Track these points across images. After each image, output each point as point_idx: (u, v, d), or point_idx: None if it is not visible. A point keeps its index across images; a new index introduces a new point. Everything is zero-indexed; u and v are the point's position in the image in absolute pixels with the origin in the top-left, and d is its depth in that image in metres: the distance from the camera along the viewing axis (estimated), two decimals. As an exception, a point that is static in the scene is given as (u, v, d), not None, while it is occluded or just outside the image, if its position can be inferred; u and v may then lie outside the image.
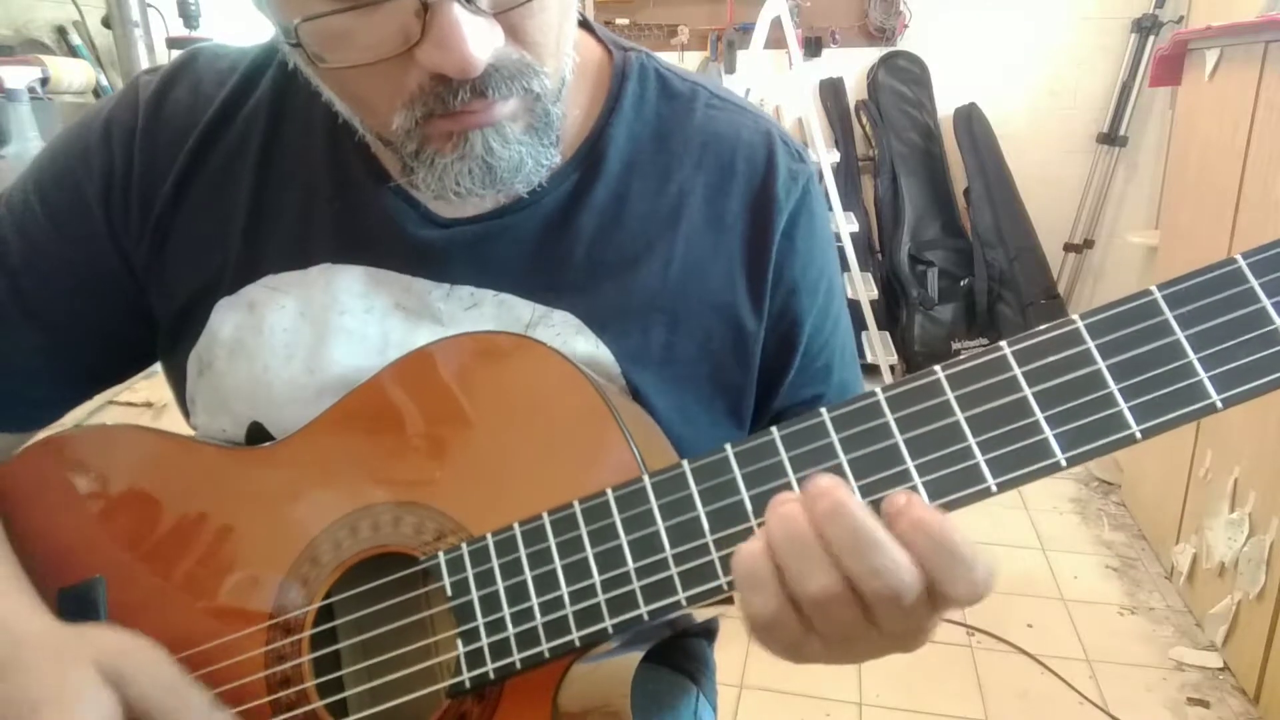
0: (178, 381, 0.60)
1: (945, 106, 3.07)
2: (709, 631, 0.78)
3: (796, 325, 0.58)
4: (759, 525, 0.39)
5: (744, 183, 0.57)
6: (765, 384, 0.59)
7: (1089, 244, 3.09)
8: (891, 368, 2.93)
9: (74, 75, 1.60)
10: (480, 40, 0.41)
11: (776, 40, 2.59)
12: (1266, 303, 0.35)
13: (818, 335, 0.60)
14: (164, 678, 0.46)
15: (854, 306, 2.74)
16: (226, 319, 0.56)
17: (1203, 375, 0.35)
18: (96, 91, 1.69)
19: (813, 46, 3.09)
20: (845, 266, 2.67)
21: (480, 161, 0.47)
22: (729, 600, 0.42)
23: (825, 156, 2.67)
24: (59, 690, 0.43)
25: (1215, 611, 1.74)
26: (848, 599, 0.36)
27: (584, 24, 0.58)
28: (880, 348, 2.88)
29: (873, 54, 3.09)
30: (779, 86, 3.06)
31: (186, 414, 0.61)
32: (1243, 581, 1.63)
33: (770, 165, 0.57)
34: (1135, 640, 1.84)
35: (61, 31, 1.83)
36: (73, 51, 1.82)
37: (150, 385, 1.35)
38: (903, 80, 3.07)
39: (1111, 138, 2.97)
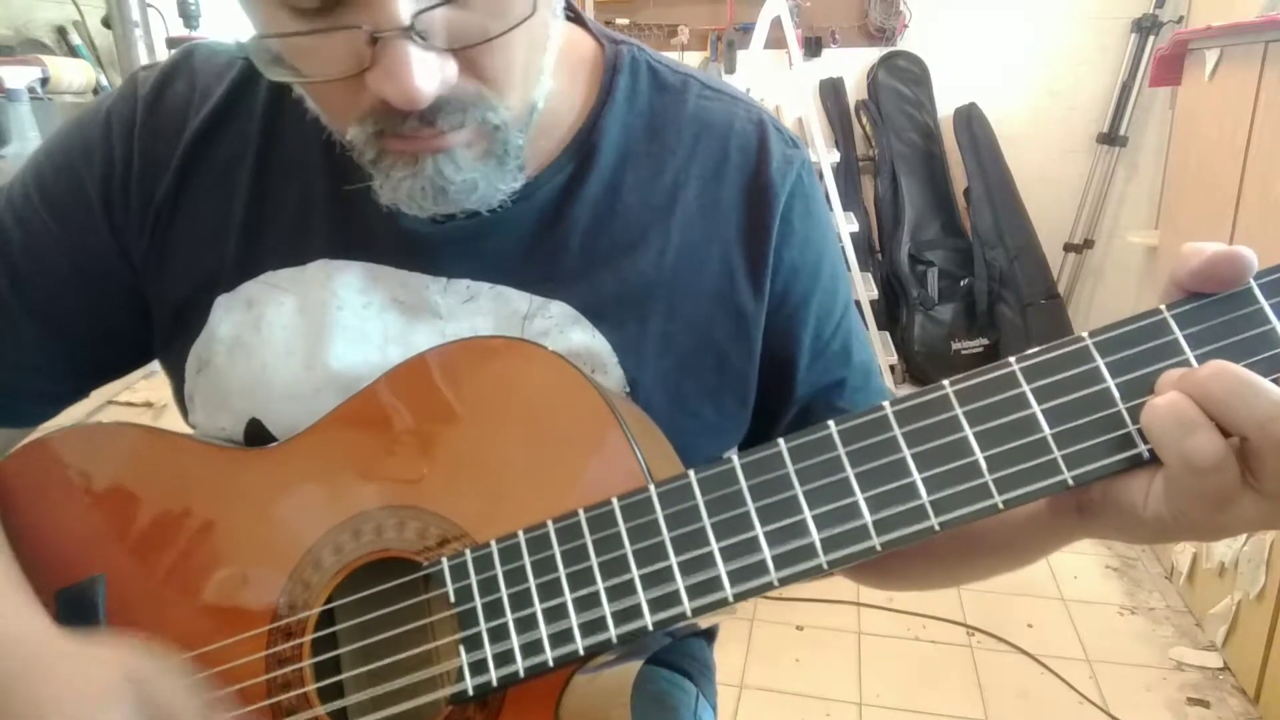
0: (176, 379, 0.60)
1: (945, 106, 3.06)
2: (709, 632, 0.78)
3: (801, 306, 0.58)
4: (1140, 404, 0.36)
5: (738, 170, 0.57)
6: (778, 371, 0.59)
7: (1089, 244, 3.09)
8: (891, 368, 2.93)
9: (74, 75, 1.59)
10: (427, 74, 0.41)
11: (776, 40, 2.58)
12: (1276, 324, 0.35)
13: (827, 318, 0.60)
14: (181, 690, 0.46)
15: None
16: (225, 316, 0.56)
17: None
18: (96, 91, 1.68)
19: (813, 46, 3.09)
20: (845, 266, 2.66)
21: (431, 183, 0.47)
22: (732, 611, 0.42)
23: (825, 156, 2.66)
24: (92, 700, 0.43)
25: (1215, 611, 1.74)
26: None
27: (576, 18, 0.58)
28: (880, 348, 2.88)
29: (873, 54, 3.09)
30: (779, 86, 3.05)
31: (184, 412, 0.60)
32: (1243, 581, 1.63)
33: (763, 151, 0.57)
34: (1135, 640, 1.84)
35: (61, 31, 1.82)
36: (73, 51, 1.81)
37: (150, 385, 1.34)
38: (903, 80, 3.06)
39: (1111, 138, 2.96)
